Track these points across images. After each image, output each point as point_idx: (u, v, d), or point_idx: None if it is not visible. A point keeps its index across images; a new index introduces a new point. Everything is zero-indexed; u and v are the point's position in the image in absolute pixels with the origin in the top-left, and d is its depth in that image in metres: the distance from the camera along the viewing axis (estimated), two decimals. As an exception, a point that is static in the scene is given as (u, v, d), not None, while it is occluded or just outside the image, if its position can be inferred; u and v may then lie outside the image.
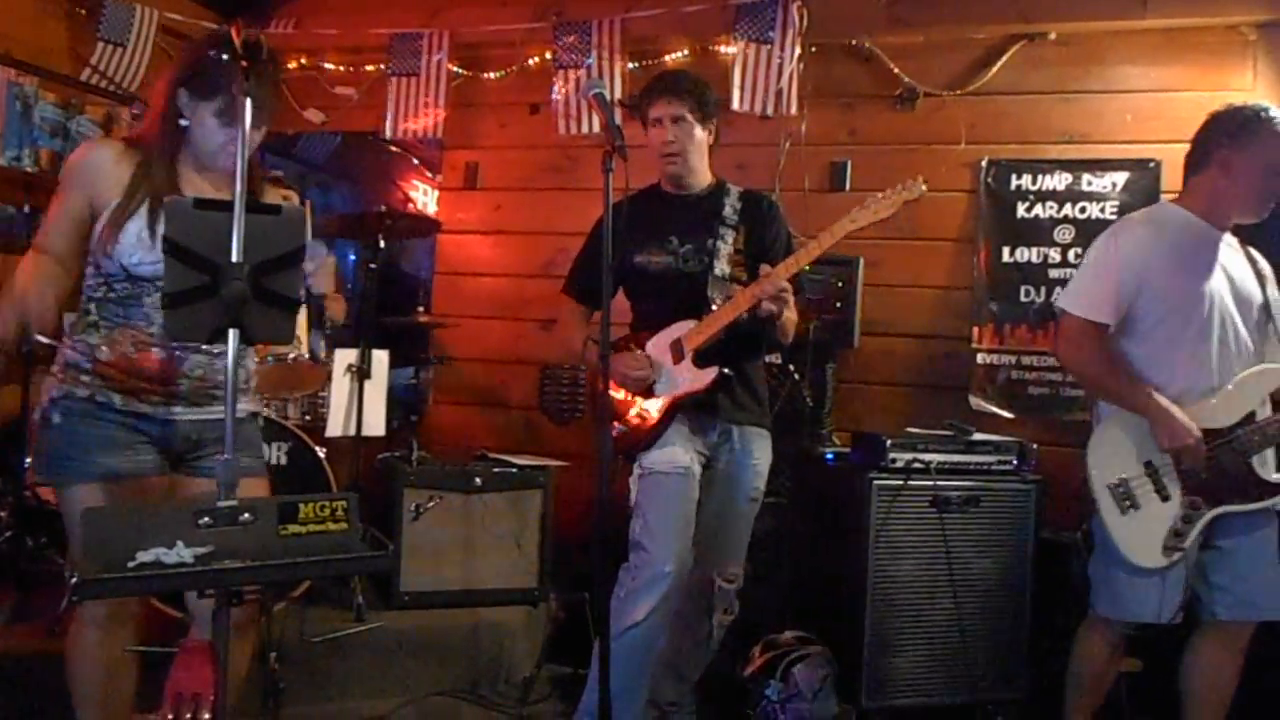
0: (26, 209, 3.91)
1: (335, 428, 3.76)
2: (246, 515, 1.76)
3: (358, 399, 3.73)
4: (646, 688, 2.85)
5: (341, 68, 4.94)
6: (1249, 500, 2.67)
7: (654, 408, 2.86)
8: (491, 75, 4.79)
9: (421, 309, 4.65)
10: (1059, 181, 4.19)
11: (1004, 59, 4.23)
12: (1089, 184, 4.15)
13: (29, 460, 3.63)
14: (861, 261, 4.11)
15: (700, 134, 2.94)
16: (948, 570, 3.30)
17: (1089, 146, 4.18)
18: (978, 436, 3.50)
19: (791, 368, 3.89)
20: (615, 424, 2.86)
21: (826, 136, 4.43)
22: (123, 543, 1.64)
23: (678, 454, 2.82)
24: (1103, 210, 4.11)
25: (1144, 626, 2.76)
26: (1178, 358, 2.71)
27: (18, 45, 4.18)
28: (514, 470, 3.92)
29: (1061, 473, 3.38)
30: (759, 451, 2.96)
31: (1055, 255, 4.17)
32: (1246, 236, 2.87)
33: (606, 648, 2.32)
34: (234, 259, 1.76)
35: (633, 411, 2.89)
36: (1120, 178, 4.11)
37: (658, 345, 2.90)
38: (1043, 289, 4.17)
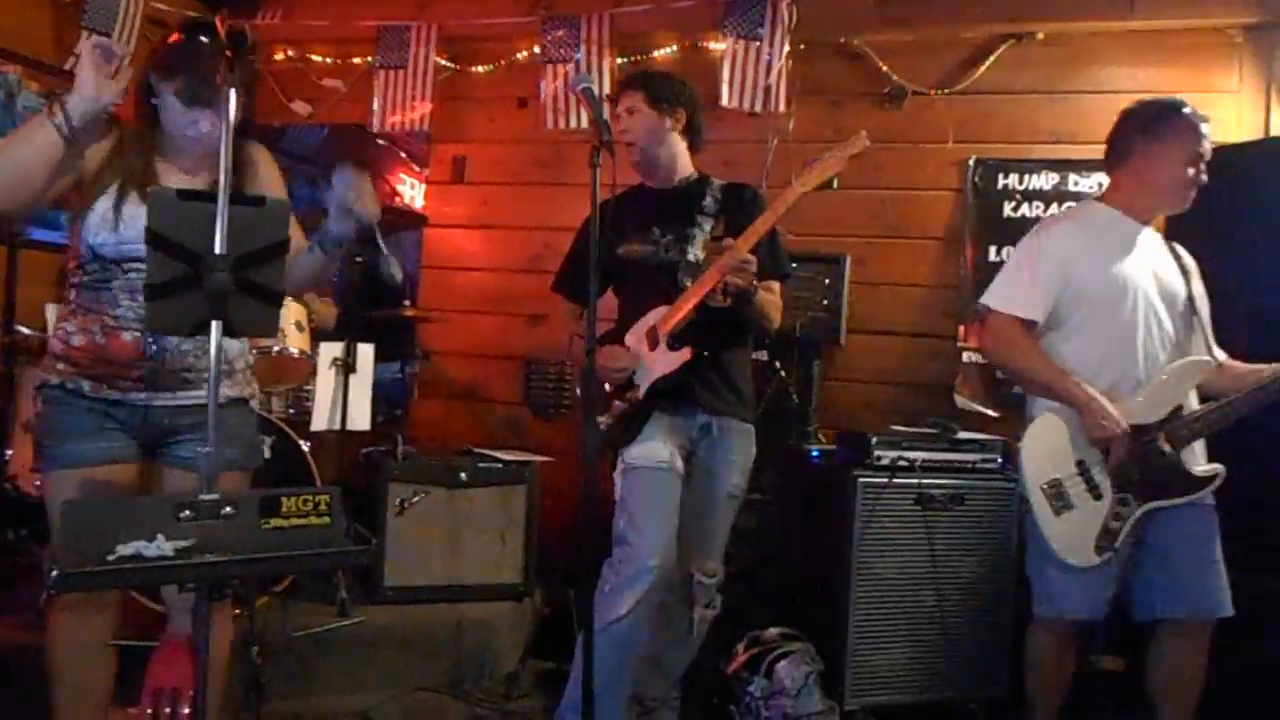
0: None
1: (320, 422, 3.74)
2: (228, 509, 1.75)
3: (343, 393, 3.71)
4: (629, 683, 2.85)
5: (329, 60, 4.91)
6: (1178, 495, 2.68)
7: (631, 396, 2.86)
8: (480, 69, 4.78)
9: (408, 303, 4.64)
10: (1045, 181, 4.21)
11: (992, 59, 4.25)
12: (1075, 184, 4.17)
13: (10, 452, 3.62)
14: (848, 259, 4.13)
15: (658, 122, 2.91)
16: (931, 568, 3.31)
17: (1075, 147, 4.19)
18: (962, 435, 3.51)
19: (778, 365, 3.90)
20: (600, 418, 2.85)
21: (814, 134, 4.42)
22: (102, 536, 1.63)
23: (658, 449, 2.81)
24: (1089, 210, 4.12)
25: (1082, 623, 2.77)
26: (1104, 353, 2.72)
27: (1, 34, 4.14)
28: (499, 465, 3.91)
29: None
30: (739, 447, 2.94)
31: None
32: (1173, 232, 2.87)
33: (590, 643, 2.31)
34: (217, 250, 1.75)
35: (616, 404, 2.88)
36: (1105, 178, 4.11)
37: (635, 335, 2.90)
38: (1029, 288, 4.18)
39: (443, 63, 4.70)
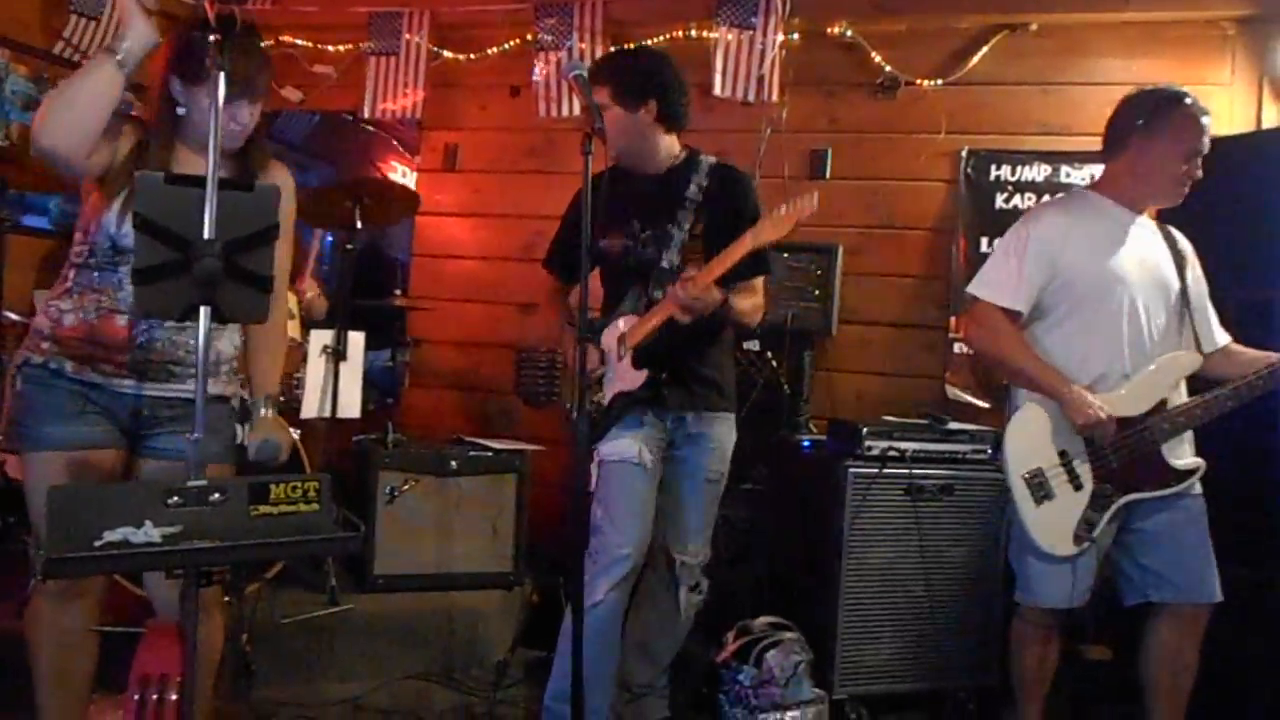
0: (0, 181, 3.86)
1: (310, 409, 3.73)
2: (216, 495, 1.74)
3: (333, 381, 3.70)
4: (614, 671, 2.86)
5: (319, 46, 4.88)
6: (1159, 487, 2.69)
7: (599, 399, 2.86)
8: (471, 56, 4.75)
9: (399, 291, 4.62)
10: (1038, 173, 4.21)
11: (985, 49, 4.24)
12: (1067, 176, 4.17)
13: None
14: (840, 250, 4.12)
15: (628, 119, 2.80)
16: (921, 558, 3.32)
17: (1068, 138, 4.20)
18: (953, 425, 3.52)
19: (769, 355, 3.90)
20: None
21: (807, 124, 4.42)
22: (89, 521, 1.62)
23: (626, 445, 2.81)
24: (1080, 202, 4.13)
25: (1066, 612, 2.78)
26: (1091, 345, 2.71)
27: (-11, 18, 4.11)
28: (490, 454, 3.91)
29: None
30: (718, 435, 2.94)
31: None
32: (1168, 216, 2.86)
33: (579, 634, 2.31)
34: (206, 235, 1.74)
35: (594, 398, 2.88)
36: (1098, 170, 4.02)
37: (609, 336, 2.89)
38: (1020, 280, 4.18)
39: (434, 49, 4.68)
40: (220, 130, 2.15)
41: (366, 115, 4.72)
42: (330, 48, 4.87)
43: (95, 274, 2.20)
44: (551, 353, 3.79)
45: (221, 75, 1.82)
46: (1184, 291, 2.79)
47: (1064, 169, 4.18)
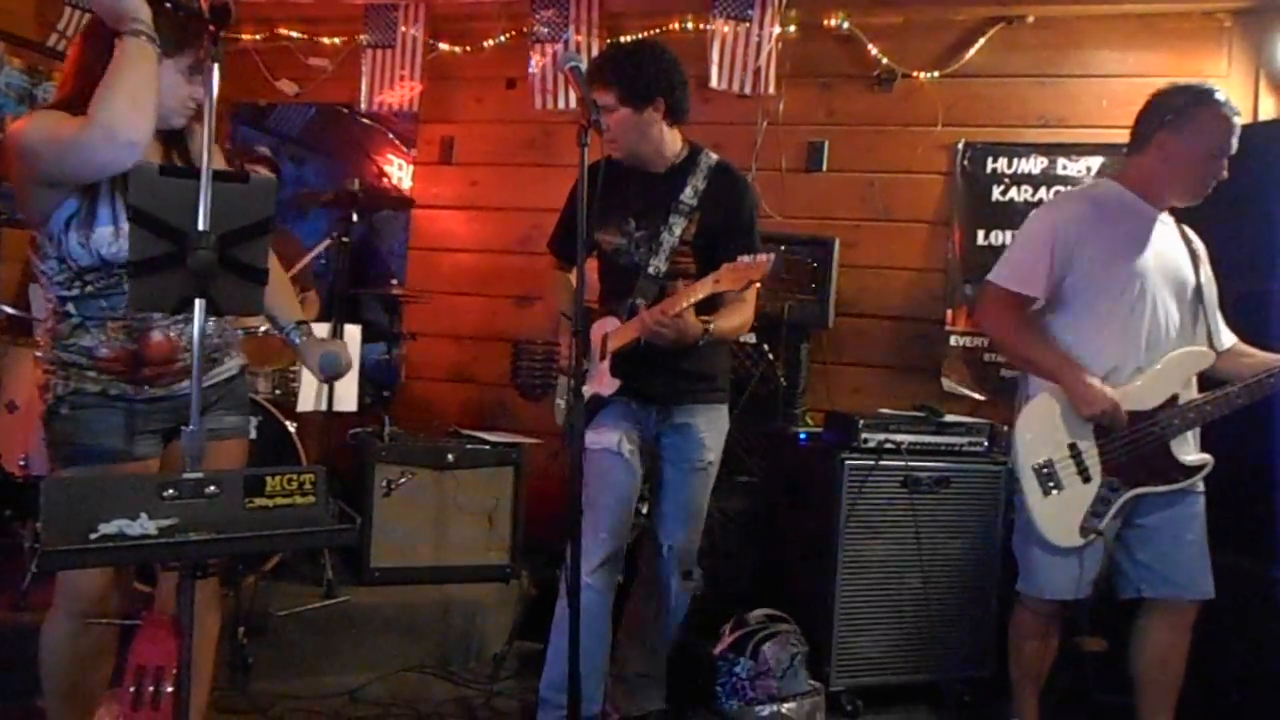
0: (-7, 175, 3.83)
1: (306, 403, 3.73)
2: (212, 488, 1.74)
3: (330, 374, 3.69)
4: (604, 658, 2.87)
5: (315, 38, 4.87)
6: (1166, 482, 2.69)
7: (588, 389, 2.83)
8: (468, 49, 4.74)
9: (395, 284, 4.62)
10: (1034, 165, 4.21)
11: (982, 41, 4.24)
12: (1064, 168, 4.17)
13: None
14: (837, 242, 4.12)
15: (636, 118, 2.78)
16: (917, 550, 3.32)
17: (1065, 131, 4.20)
18: (949, 418, 3.52)
19: (765, 348, 3.90)
20: (558, 401, 2.91)
21: (804, 116, 4.42)
22: (85, 514, 1.62)
23: (607, 435, 2.83)
24: (1077, 194, 4.13)
25: (1068, 604, 2.79)
26: (1106, 337, 2.71)
27: (-17, 10, 4.10)
28: (486, 447, 3.91)
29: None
30: (706, 424, 2.92)
31: (1011, 242, 4.19)
32: (1183, 215, 2.86)
33: (577, 627, 2.31)
34: (200, 227, 1.73)
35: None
36: (1095, 162, 4.14)
37: (596, 333, 2.89)
38: (1016, 272, 4.19)
39: (430, 42, 4.67)
40: (180, 107, 2.16)
41: (363, 108, 4.72)
42: (326, 40, 4.86)
43: (102, 301, 2.13)
44: (549, 344, 3.78)
45: (215, 67, 1.81)
46: (1199, 289, 2.79)
47: (1061, 161, 4.18)
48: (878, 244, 4.36)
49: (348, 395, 3.79)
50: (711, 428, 2.94)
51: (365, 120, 4.96)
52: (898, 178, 4.37)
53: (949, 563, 3.37)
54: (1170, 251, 2.77)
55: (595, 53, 4.37)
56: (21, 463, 3.48)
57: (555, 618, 2.79)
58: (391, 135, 5.02)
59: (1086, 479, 2.70)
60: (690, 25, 4.41)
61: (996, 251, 4.17)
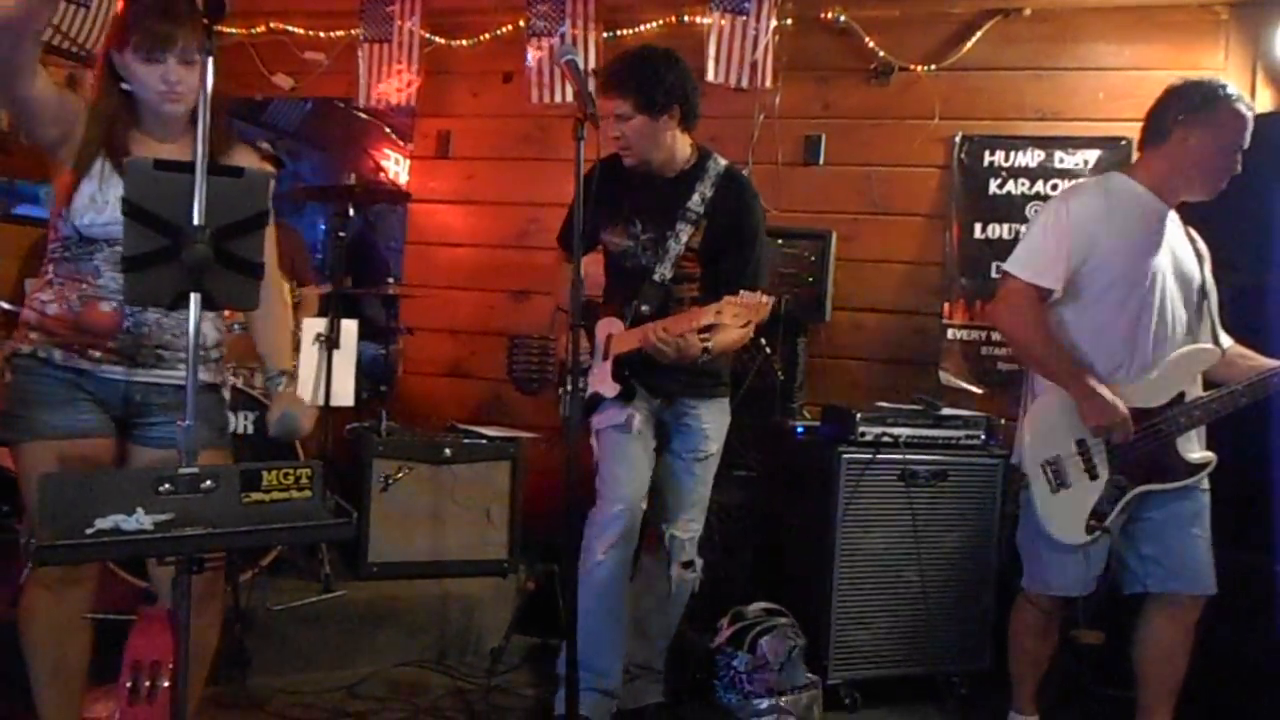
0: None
1: (303, 398, 3.71)
2: (208, 482, 1.74)
3: (326, 369, 3.69)
4: (621, 635, 2.90)
5: (311, 32, 4.86)
6: (1171, 479, 2.70)
7: (582, 388, 2.84)
8: (464, 42, 4.73)
9: (392, 279, 4.61)
10: (1031, 158, 4.21)
11: (979, 34, 4.23)
12: (1061, 161, 4.17)
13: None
14: (834, 236, 4.12)
15: (652, 125, 2.80)
16: (914, 543, 3.32)
17: (1061, 124, 4.19)
18: (946, 411, 3.52)
19: (763, 341, 3.89)
20: (562, 390, 2.90)
21: (801, 110, 4.41)
22: (81, 509, 1.62)
23: (616, 413, 2.89)
24: (1074, 188, 4.13)
25: (1070, 599, 2.79)
26: (1117, 332, 2.71)
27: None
28: (484, 441, 3.90)
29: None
30: (707, 416, 2.97)
31: (1025, 233, 4.18)
32: (1188, 215, 2.86)
33: (571, 627, 2.32)
34: (195, 221, 1.73)
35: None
36: (1092, 155, 4.13)
37: (600, 331, 2.94)
38: (1013, 266, 4.19)
39: (426, 35, 4.65)
40: (158, 95, 2.14)
41: (360, 102, 4.70)
42: (322, 34, 4.84)
43: (72, 265, 2.19)
44: (544, 339, 3.80)
45: (210, 60, 1.80)
46: (1203, 287, 2.79)
47: (1058, 154, 4.17)
48: (875, 237, 4.35)
49: (345, 390, 3.79)
50: (714, 420, 2.99)
51: (361, 114, 4.95)
52: (895, 171, 4.36)
53: (946, 556, 3.38)
54: (1180, 249, 2.78)
55: (593, 47, 4.36)
56: (17, 458, 3.47)
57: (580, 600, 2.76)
58: (388, 129, 5.01)
59: (1094, 476, 2.71)
60: (687, 19, 4.40)
61: (993, 245, 4.19)
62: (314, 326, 3.73)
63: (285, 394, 2.38)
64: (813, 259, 4.08)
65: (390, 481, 3.70)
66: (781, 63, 4.27)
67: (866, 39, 4.32)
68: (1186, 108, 2.68)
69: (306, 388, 3.72)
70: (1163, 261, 2.72)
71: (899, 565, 3.34)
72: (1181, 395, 2.70)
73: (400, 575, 3.69)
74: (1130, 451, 2.68)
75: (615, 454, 2.89)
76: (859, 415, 3.36)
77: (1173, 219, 2.80)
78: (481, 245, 4.83)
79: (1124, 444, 2.67)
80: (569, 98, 4.38)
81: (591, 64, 4.32)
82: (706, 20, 4.25)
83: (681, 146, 2.91)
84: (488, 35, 4.67)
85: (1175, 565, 2.72)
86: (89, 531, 1.60)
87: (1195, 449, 2.73)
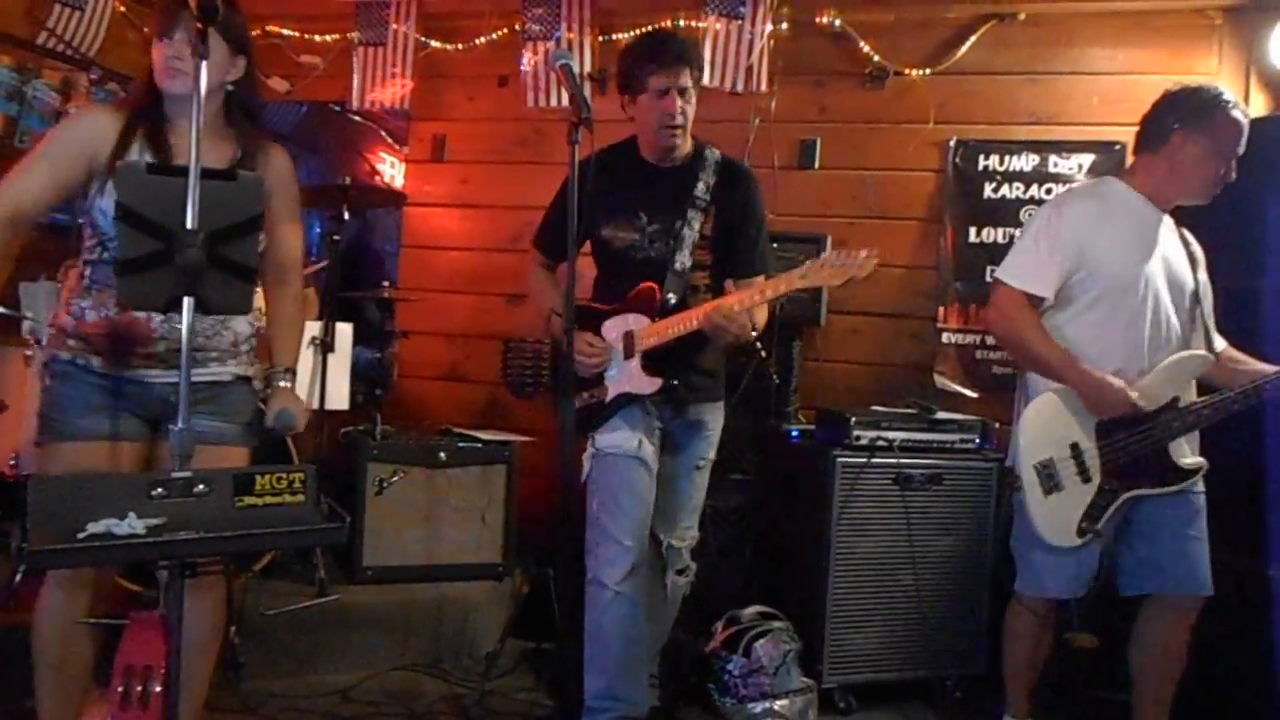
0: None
1: (300, 396, 3.71)
2: (201, 487, 1.74)
3: (321, 372, 3.69)
4: (645, 661, 2.86)
5: (306, 36, 4.85)
6: (1162, 484, 2.71)
7: (598, 393, 2.82)
8: (459, 46, 4.73)
9: (387, 283, 4.61)
10: (1026, 162, 4.21)
11: (973, 39, 4.23)
12: (1055, 165, 4.18)
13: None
14: (829, 240, 4.11)
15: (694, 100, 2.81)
16: (909, 547, 3.32)
17: (1056, 128, 4.20)
18: (941, 415, 3.53)
19: (758, 345, 3.89)
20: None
21: (796, 114, 4.42)
22: (73, 513, 1.62)
23: (626, 437, 2.77)
24: (1068, 192, 4.14)
25: (1064, 602, 2.79)
26: (1110, 337, 2.71)
27: (-29, 8, 4.08)
28: (479, 445, 3.90)
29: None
30: (712, 422, 2.95)
31: (1018, 240, 4.19)
32: (1182, 218, 2.86)
33: (564, 625, 2.31)
34: (189, 225, 1.73)
35: (584, 394, 2.83)
36: (1086, 159, 4.14)
37: (612, 330, 2.83)
38: (1008, 269, 4.19)
39: (421, 39, 4.66)
40: (163, 71, 2.18)
41: (354, 106, 4.70)
42: (317, 37, 4.84)
43: (109, 269, 2.17)
44: (539, 343, 3.78)
45: (204, 63, 1.80)
46: (1196, 293, 2.80)
47: (1052, 158, 4.18)
48: (870, 241, 4.27)
49: (340, 394, 3.79)
50: (718, 425, 2.97)
51: (357, 118, 4.95)
52: (890, 175, 4.37)
53: (941, 559, 3.38)
54: (1173, 255, 2.78)
55: (588, 51, 4.37)
56: (12, 462, 3.47)
57: (587, 630, 2.75)
58: (384, 133, 5.01)
59: (1086, 479, 2.71)
60: (682, 22, 4.40)
61: (988, 249, 4.20)
62: (309, 330, 3.72)
63: (285, 390, 2.42)
64: (808, 263, 4.07)
65: (385, 485, 3.70)
66: (777, 66, 4.28)
67: (861, 43, 4.32)
68: (1183, 113, 2.69)
69: (301, 391, 3.71)
70: (1156, 267, 2.72)
71: (894, 569, 3.34)
72: (1175, 400, 2.71)
73: (395, 579, 3.68)
74: (1122, 456, 2.68)
75: (624, 485, 2.77)
76: (854, 419, 3.37)
77: (1167, 223, 2.80)
78: (477, 249, 4.83)
79: (1119, 444, 2.67)
80: (564, 102, 4.38)
81: (586, 68, 4.33)
82: (702, 24, 4.26)
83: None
84: (483, 39, 4.67)
85: (1172, 567, 2.73)
86: (81, 535, 1.60)
87: (1187, 454, 2.74)
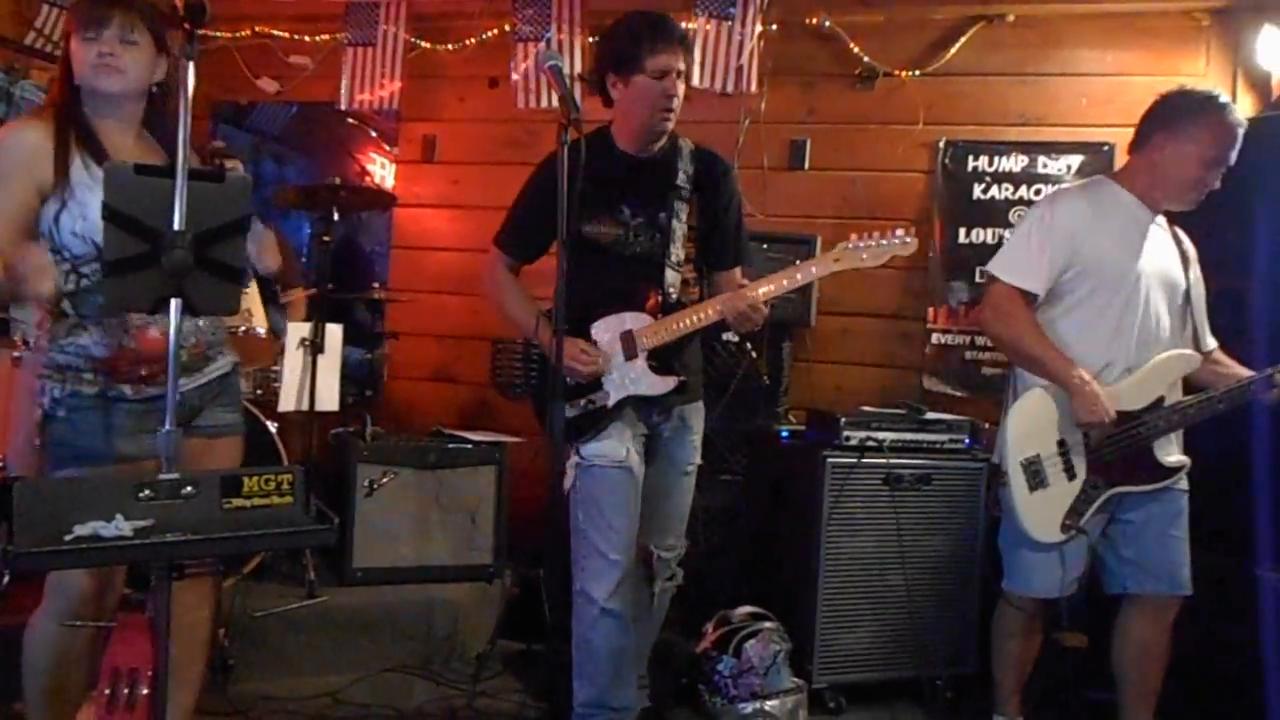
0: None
1: (288, 402, 3.70)
2: (189, 488, 1.73)
3: (311, 373, 3.68)
4: (635, 669, 2.83)
5: (296, 36, 4.84)
6: (1146, 482, 2.72)
7: (598, 399, 2.70)
8: (450, 47, 4.72)
9: (377, 284, 4.60)
10: (1015, 163, 4.23)
11: (963, 40, 4.25)
12: (1044, 166, 4.19)
13: None
14: (819, 240, 4.12)
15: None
16: (899, 547, 3.33)
17: (1045, 129, 4.22)
18: (930, 415, 3.53)
19: (748, 346, 3.90)
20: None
21: (786, 115, 4.42)
22: (59, 516, 1.61)
23: (615, 446, 2.68)
24: (1057, 193, 4.15)
25: (1051, 601, 2.80)
26: (1100, 335, 2.72)
27: (-42, 7, 4.06)
28: (469, 446, 3.89)
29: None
30: (696, 424, 2.89)
31: (1010, 237, 4.21)
32: (1171, 217, 2.87)
33: (558, 621, 2.31)
34: (176, 227, 1.72)
35: (578, 401, 2.70)
36: (1075, 160, 4.16)
37: (606, 332, 2.71)
38: (997, 270, 4.21)
39: (412, 40, 4.65)
40: (93, 70, 2.12)
41: (344, 106, 4.69)
42: (307, 38, 4.83)
43: (99, 297, 2.10)
44: (528, 344, 3.74)
45: (190, 66, 1.80)
46: (1188, 291, 2.81)
47: (1041, 159, 4.19)
48: (859, 242, 4.35)
49: (330, 395, 3.78)
50: (700, 428, 2.91)
51: (347, 119, 4.94)
52: (879, 176, 4.38)
53: (931, 559, 3.38)
54: (1163, 254, 2.79)
55: (578, 52, 4.36)
56: (1, 466, 3.44)
57: (575, 641, 2.71)
58: (374, 134, 5.00)
59: (1071, 476, 2.72)
60: (683, 30, 4.38)
61: (977, 249, 4.21)
62: (299, 331, 3.71)
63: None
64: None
65: (375, 487, 3.69)
66: (766, 67, 4.29)
67: (851, 44, 4.33)
68: (1176, 116, 2.70)
69: (291, 392, 3.71)
70: (1146, 266, 2.74)
71: (884, 569, 3.35)
72: (1161, 399, 2.72)
73: (385, 581, 3.67)
74: (1107, 453, 2.69)
75: (611, 499, 2.68)
76: (844, 419, 3.37)
77: (1159, 222, 2.82)
78: (467, 250, 4.81)
79: (1105, 442, 2.68)
80: (555, 103, 4.37)
81: (577, 69, 4.32)
82: (691, 25, 4.25)
83: None
84: (473, 40, 4.67)
85: (1153, 566, 2.74)
86: (68, 538, 1.59)
87: (1172, 452, 2.75)
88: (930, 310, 4.30)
